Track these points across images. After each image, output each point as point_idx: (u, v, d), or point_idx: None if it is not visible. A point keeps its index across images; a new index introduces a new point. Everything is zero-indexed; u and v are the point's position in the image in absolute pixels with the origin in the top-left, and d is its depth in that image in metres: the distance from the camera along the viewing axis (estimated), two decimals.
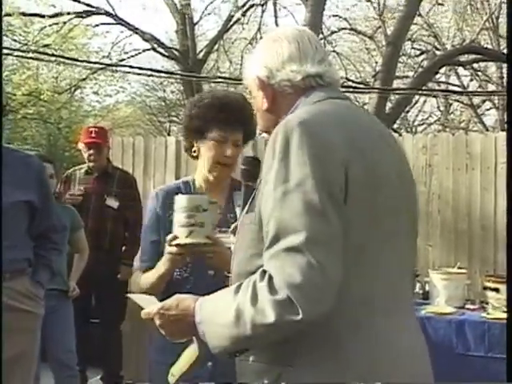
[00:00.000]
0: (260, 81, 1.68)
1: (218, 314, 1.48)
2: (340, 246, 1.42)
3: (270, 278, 1.39)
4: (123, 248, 5.21)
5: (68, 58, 12.88)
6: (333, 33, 15.00)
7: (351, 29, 15.79)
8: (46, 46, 13.36)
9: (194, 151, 2.33)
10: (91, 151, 5.14)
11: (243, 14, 13.36)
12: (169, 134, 17.86)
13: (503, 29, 15.96)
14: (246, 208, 1.67)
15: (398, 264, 1.58)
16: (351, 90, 13.42)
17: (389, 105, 11.61)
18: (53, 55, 12.58)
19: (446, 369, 3.86)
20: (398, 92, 12.03)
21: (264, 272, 1.42)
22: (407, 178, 1.66)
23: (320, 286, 1.38)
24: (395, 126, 14.89)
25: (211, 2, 15.04)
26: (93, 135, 5.20)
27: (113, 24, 13.67)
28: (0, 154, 2.88)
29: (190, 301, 1.56)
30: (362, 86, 14.33)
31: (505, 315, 3.99)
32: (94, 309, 5.12)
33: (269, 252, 1.43)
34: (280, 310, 1.37)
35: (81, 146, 5.20)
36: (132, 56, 13.85)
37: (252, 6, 13.38)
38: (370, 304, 1.50)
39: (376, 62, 15.23)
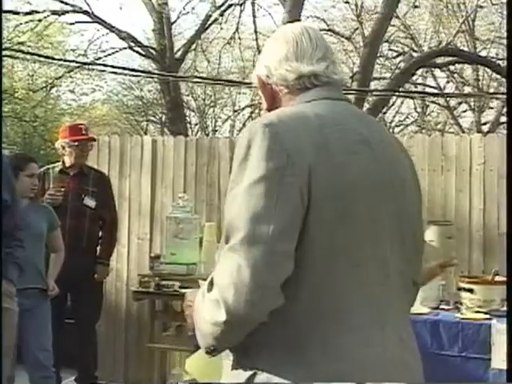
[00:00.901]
0: (260, 80, 1.70)
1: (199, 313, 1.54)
2: (282, 250, 1.42)
3: (212, 278, 1.46)
4: (98, 248, 5.21)
5: (43, 56, 12.78)
6: None
7: (329, 30, 15.82)
8: (20, 43, 13.22)
9: None
10: (79, 148, 5.12)
11: (221, 14, 13.32)
12: (145, 133, 17.79)
13: (479, 31, 16.13)
14: None
15: (377, 273, 1.55)
16: None
17: (366, 106, 11.67)
18: (28, 53, 12.47)
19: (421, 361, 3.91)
20: (375, 93, 12.09)
21: None
22: (397, 183, 1.62)
23: (247, 288, 1.38)
24: None
25: (189, 2, 14.98)
26: (83, 132, 5.19)
27: (89, 22, 13.57)
28: (0, 153, 2.88)
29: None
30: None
31: (478, 315, 4.05)
32: (69, 309, 5.09)
33: (222, 250, 1.48)
34: (211, 310, 1.44)
35: (63, 142, 5.15)
36: (109, 54, 13.76)
37: (230, 5, 13.35)
38: (340, 318, 1.49)
39: (353, 63, 15.28)
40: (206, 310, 1.46)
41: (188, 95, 18.51)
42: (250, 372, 1.50)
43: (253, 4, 13.39)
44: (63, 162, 5.22)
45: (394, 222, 1.59)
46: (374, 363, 1.50)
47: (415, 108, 19.52)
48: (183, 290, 4.70)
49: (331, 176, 1.48)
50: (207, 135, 16.71)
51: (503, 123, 16.43)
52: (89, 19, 13.38)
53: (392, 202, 1.59)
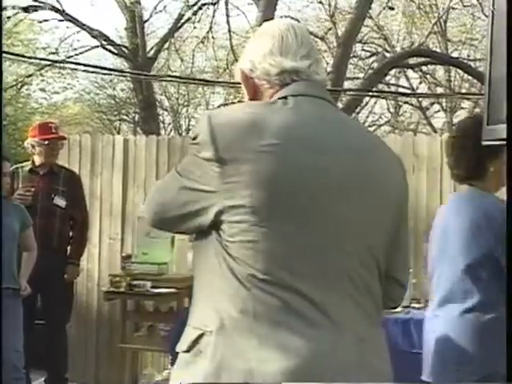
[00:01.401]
0: (243, 74, 1.70)
1: None
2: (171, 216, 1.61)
3: None
4: (69, 248, 5.17)
5: (13, 54, 12.65)
6: None
7: None
8: None
9: None
10: (49, 147, 5.07)
11: (194, 13, 13.30)
12: (118, 133, 17.70)
13: (451, 33, 16.28)
14: None
15: (329, 277, 1.54)
16: None
17: (339, 106, 11.72)
18: None
19: (392, 365, 3.93)
20: (348, 93, 12.15)
21: None
22: (366, 187, 1.60)
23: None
24: None
25: (161, 0, 14.96)
26: (53, 130, 5.15)
27: (60, 20, 13.45)
28: (0, 153, 2.86)
29: None
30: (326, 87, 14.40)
31: None
32: (40, 309, 5.05)
33: None
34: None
35: (33, 141, 5.10)
36: (81, 53, 13.66)
37: (203, 5, 13.32)
38: (290, 314, 1.49)
39: (327, 63, 15.31)
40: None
41: (161, 94, 18.44)
42: (199, 332, 1.52)
43: (226, 3, 13.38)
44: (33, 161, 5.16)
45: (350, 224, 1.58)
46: (325, 363, 1.49)
47: (388, 108, 19.66)
48: (155, 290, 4.69)
49: (266, 172, 1.50)
50: (180, 134, 16.64)
51: None
52: (60, 17, 13.26)
53: (352, 207, 1.57)
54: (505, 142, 2.24)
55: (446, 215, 2.81)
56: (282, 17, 14.92)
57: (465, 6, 14.41)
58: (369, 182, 1.61)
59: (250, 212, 1.49)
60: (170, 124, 20.04)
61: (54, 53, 13.75)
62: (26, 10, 13.02)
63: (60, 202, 5.04)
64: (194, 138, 1.58)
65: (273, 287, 1.49)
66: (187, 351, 1.55)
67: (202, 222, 1.55)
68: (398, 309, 4.18)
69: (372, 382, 1.56)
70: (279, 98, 1.62)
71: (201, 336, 1.52)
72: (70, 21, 13.18)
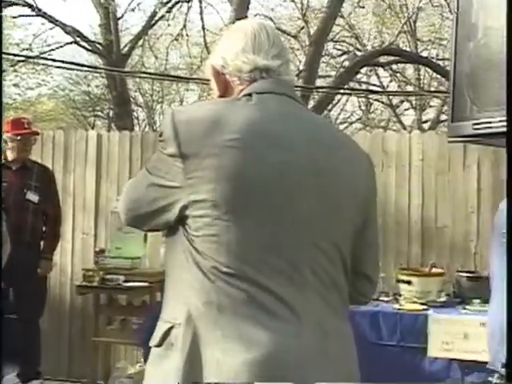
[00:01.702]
0: (214, 70, 1.70)
1: None
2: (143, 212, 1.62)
3: None
4: (42, 242, 5.15)
5: None
6: None
7: (275, 28, 15.85)
8: None
9: None
10: (21, 142, 5.04)
11: (168, 11, 13.24)
12: (93, 128, 17.55)
13: (420, 32, 16.40)
14: None
15: (292, 273, 1.54)
16: None
17: (311, 103, 11.74)
18: None
19: (361, 357, 3.96)
20: (320, 91, 12.18)
21: None
22: (327, 182, 1.60)
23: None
24: None
25: None
26: (25, 126, 5.12)
27: (33, 16, 13.29)
28: (0, 153, 2.81)
29: None
30: (293, 86, 14.42)
31: (415, 306, 4.13)
32: (12, 304, 5.01)
33: None
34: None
35: (5, 137, 5.06)
36: (54, 49, 13.53)
37: (177, 2, 13.28)
38: (253, 308, 1.49)
39: (299, 61, 15.34)
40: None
41: (135, 91, 18.35)
42: (168, 325, 1.54)
43: (200, 1, 13.35)
44: (5, 157, 5.13)
45: (313, 218, 1.58)
46: (288, 354, 1.49)
47: (359, 106, 19.77)
48: (128, 284, 4.68)
49: (228, 167, 1.51)
50: (155, 130, 16.57)
51: (443, 121, 16.75)
52: (33, 13, 13.11)
53: (314, 202, 1.58)
54: (469, 139, 2.28)
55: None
56: (255, 15, 14.96)
57: (434, 7, 14.54)
58: (332, 179, 1.62)
59: (213, 206, 1.50)
60: (144, 120, 19.97)
61: (27, 49, 13.59)
62: None
63: (33, 197, 5.02)
64: (160, 135, 1.60)
65: (236, 280, 1.50)
66: (159, 345, 1.55)
67: (169, 218, 1.57)
68: None
69: (335, 375, 1.56)
70: (244, 95, 1.63)
71: (171, 329, 1.53)
72: (43, 17, 13.03)
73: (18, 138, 5.03)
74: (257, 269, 1.51)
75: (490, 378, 2.02)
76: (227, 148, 1.51)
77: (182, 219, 1.54)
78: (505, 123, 2.02)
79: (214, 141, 1.51)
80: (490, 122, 2.03)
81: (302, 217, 1.56)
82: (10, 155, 5.08)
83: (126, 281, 4.69)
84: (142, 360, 4.68)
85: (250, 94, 1.62)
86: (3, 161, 5.11)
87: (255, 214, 1.52)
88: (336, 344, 1.59)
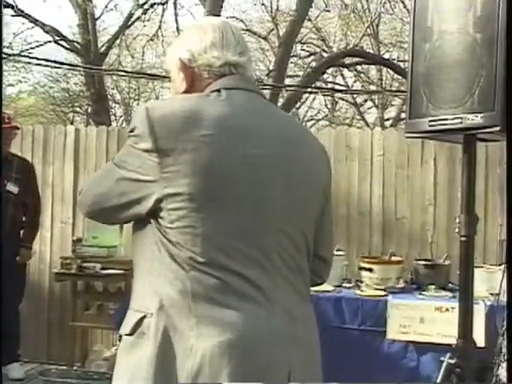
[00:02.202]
0: (182, 63, 1.66)
1: None
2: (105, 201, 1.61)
3: None
4: (21, 231, 5.10)
5: None
6: None
7: (247, 30, 15.85)
8: None
9: None
10: (2, 136, 4.97)
11: (144, 12, 13.16)
12: (72, 124, 17.37)
13: (383, 36, 16.51)
14: None
15: (261, 259, 1.55)
16: None
17: (281, 101, 11.75)
18: None
19: (325, 340, 3.99)
20: (288, 89, 12.19)
21: None
22: (293, 173, 1.61)
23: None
24: None
25: None
26: (6, 120, 5.05)
27: (13, 16, 13.10)
28: (0, 152, 2.74)
29: None
30: (256, 82, 14.43)
31: (376, 292, 4.16)
32: None
33: None
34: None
35: None
36: (34, 47, 13.37)
37: (153, 4, 13.19)
38: (226, 293, 1.49)
39: (269, 62, 15.37)
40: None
41: (113, 88, 18.21)
42: (140, 315, 1.52)
43: (175, 3, 13.29)
44: None
45: (282, 208, 1.59)
46: (260, 335, 1.50)
47: (326, 104, 19.84)
48: (104, 271, 4.66)
49: (203, 162, 1.49)
50: None
51: (404, 119, 16.86)
52: (13, 12, 12.92)
53: (283, 192, 1.59)
54: (425, 135, 2.30)
55: None
56: (227, 17, 14.91)
57: (395, 12, 14.65)
58: (298, 169, 1.63)
59: (188, 199, 1.49)
60: (121, 116, 19.79)
61: (7, 47, 13.40)
62: None
63: (13, 188, 4.98)
64: (132, 131, 1.56)
65: (210, 268, 1.49)
66: (130, 334, 1.54)
67: (140, 211, 1.54)
68: (330, 288, 4.25)
69: (304, 358, 1.59)
70: (213, 91, 1.61)
71: (142, 318, 1.52)
72: (23, 16, 12.86)
73: (5, 132, 4.98)
74: (230, 257, 1.51)
75: (442, 358, 2.05)
76: (202, 143, 1.50)
77: (154, 212, 1.52)
78: (459, 120, 2.04)
79: (189, 136, 1.50)
80: (445, 119, 2.05)
81: (272, 206, 1.57)
82: None
83: (102, 268, 4.67)
84: (118, 343, 4.67)
85: (218, 90, 1.61)
86: None
87: (227, 205, 1.52)
88: (303, 327, 1.61)
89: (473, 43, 2.02)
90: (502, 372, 2.32)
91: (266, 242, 1.57)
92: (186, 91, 1.66)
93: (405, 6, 13.39)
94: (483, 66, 1.98)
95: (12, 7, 12.66)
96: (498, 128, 1.96)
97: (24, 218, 5.11)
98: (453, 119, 2.03)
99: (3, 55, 12.57)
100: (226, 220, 1.52)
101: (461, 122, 2.02)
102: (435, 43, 2.11)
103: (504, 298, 2.45)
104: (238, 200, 1.53)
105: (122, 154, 1.59)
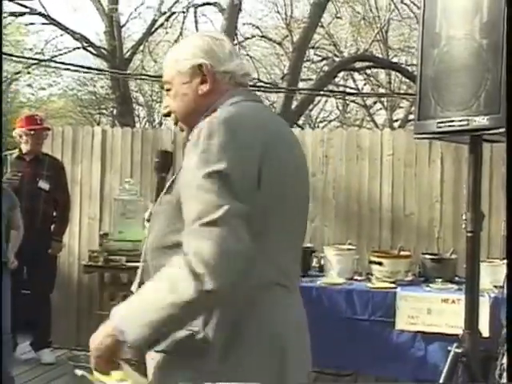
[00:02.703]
0: (206, 68, 1.62)
1: (137, 308, 1.42)
2: (247, 224, 1.37)
3: (186, 254, 1.33)
4: (52, 226, 5.14)
5: (3, 53, 12.38)
6: (246, 39, 14.98)
7: (262, 36, 15.83)
8: None
9: None
10: (35, 137, 5.01)
11: (166, 19, 13.18)
12: (98, 125, 17.44)
13: (391, 41, 16.40)
14: (163, 193, 1.59)
15: (291, 244, 1.61)
16: (262, 89, 13.50)
17: (294, 103, 11.73)
18: None
19: (336, 329, 3.99)
20: (302, 92, 12.16)
21: (183, 252, 1.35)
22: (303, 169, 1.69)
23: (231, 256, 1.32)
24: (300, 121, 15.06)
25: (137, 7, 14.86)
26: (38, 122, 5.10)
27: (45, 24, 13.20)
28: (0, 152, 2.74)
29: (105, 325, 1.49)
30: (271, 86, 14.40)
31: (385, 285, 4.15)
32: (26, 281, 5.00)
33: (189, 228, 1.37)
34: (195, 283, 1.30)
35: (21, 131, 5.04)
36: (64, 53, 13.42)
37: (174, 12, 13.23)
38: (268, 282, 1.50)
39: (284, 66, 15.31)
40: (185, 288, 1.31)
41: (137, 91, 18.24)
42: (187, 333, 1.45)
43: (195, 11, 13.31)
44: (20, 149, 5.11)
45: (304, 200, 1.68)
46: (294, 324, 1.56)
47: (337, 106, 19.75)
48: (129, 264, 4.67)
49: (275, 168, 1.50)
50: (154, 127, 16.50)
51: (411, 120, 16.76)
52: (45, 21, 13.01)
53: (302, 185, 1.67)
54: (434, 136, 2.28)
55: None
56: (244, 24, 14.90)
57: (403, 18, 14.57)
58: (305, 170, 1.71)
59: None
60: (144, 118, 19.85)
61: (39, 53, 13.49)
62: (14, 14, 12.75)
63: (44, 185, 5.01)
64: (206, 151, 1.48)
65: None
66: None
67: None
68: (342, 280, 4.24)
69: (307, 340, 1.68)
70: (236, 102, 1.61)
71: None
72: (54, 24, 12.93)
73: (32, 132, 5.01)
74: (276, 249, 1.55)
75: (449, 348, 2.04)
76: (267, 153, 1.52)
77: None
78: (465, 122, 2.03)
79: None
80: (452, 121, 2.03)
81: (300, 204, 1.65)
82: (24, 148, 5.06)
83: (127, 261, 4.68)
84: None
85: (238, 101, 1.61)
86: (17, 153, 5.09)
87: (286, 206, 1.58)
88: (304, 313, 1.68)
89: (479, 48, 2.00)
90: (506, 361, 2.29)
91: (298, 236, 1.67)
92: (205, 94, 1.63)
93: (413, 13, 13.30)
94: (489, 71, 1.97)
95: (44, 16, 12.74)
96: (502, 129, 1.95)
97: (54, 214, 5.15)
98: (460, 121, 2.02)
99: (35, 60, 12.67)
100: (280, 215, 1.55)
101: (467, 124, 2.00)
102: (443, 48, 2.10)
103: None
104: (290, 199, 1.58)
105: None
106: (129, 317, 1.42)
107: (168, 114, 1.69)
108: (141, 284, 1.56)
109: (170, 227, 1.50)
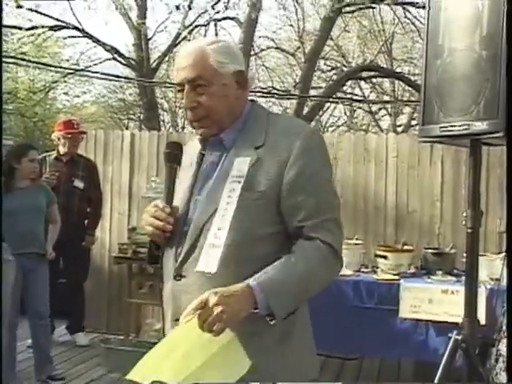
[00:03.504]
0: (244, 74, 1.59)
1: (283, 281, 1.41)
2: None
3: (324, 242, 1.46)
4: (86, 221, 5.16)
5: (42, 64, 12.49)
6: (262, 50, 14.97)
7: (277, 47, 15.81)
8: (23, 53, 12.91)
9: None
10: (71, 140, 5.04)
11: (189, 32, 13.19)
12: (126, 129, 17.52)
13: (395, 53, 16.32)
14: (240, 189, 1.49)
15: None
16: (276, 96, 13.49)
17: (306, 109, 11.69)
18: (29, 61, 12.17)
19: (345, 317, 3.98)
20: (313, 99, 12.13)
21: (315, 238, 1.47)
22: None
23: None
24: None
25: (162, 22, 14.93)
26: (75, 126, 5.12)
27: (80, 37, 13.27)
28: (0, 151, 2.73)
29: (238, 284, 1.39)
30: (284, 93, 14.38)
31: (390, 276, 4.12)
32: (62, 271, 5.03)
33: (313, 221, 1.47)
34: (338, 264, 1.51)
35: (59, 134, 5.06)
36: (96, 64, 13.50)
37: (196, 26, 13.25)
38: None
39: (296, 75, 15.27)
40: (332, 267, 1.50)
41: (162, 98, 18.28)
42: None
43: (215, 25, 13.31)
44: (58, 151, 5.13)
45: None
46: None
47: (345, 112, 19.69)
48: None
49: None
50: (177, 131, 16.54)
51: (414, 125, 16.68)
52: (79, 34, 13.08)
53: None
54: (436, 140, 2.26)
55: None
56: (260, 37, 14.87)
57: (406, 32, 14.49)
58: None
59: None
60: (168, 123, 19.91)
61: (75, 63, 13.59)
62: (52, 28, 12.85)
63: (79, 184, 5.03)
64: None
65: None
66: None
67: None
68: (350, 272, 4.22)
69: None
70: (277, 114, 1.67)
71: None
72: (87, 37, 13.00)
73: (69, 136, 5.03)
74: None
75: (450, 335, 2.02)
76: None
77: None
78: (466, 126, 2.01)
79: None
80: (454, 126, 2.02)
81: None
82: (61, 150, 5.09)
83: None
84: None
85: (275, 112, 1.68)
86: (55, 154, 5.12)
87: None
88: None
89: (479, 59, 1.98)
90: (503, 347, 2.28)
91: None
92: (240, 97, 1.60)
93: (416, 27, 13.21)
94: (488, 80, 1.95)
95: (79, 30, 12.82)
96: (501, 133, 1.93)
97: (88, 210, 5.16)
98: (461, 126, 2.01)
99: (71, 70, 12.73)
100: None
101: (468, 129, 1.99)
102: (446, 59, 2.08)
103: (504, 283, 2.41)
104: None
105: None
106: (276, 289, 1.40)
107: (192, 109, 1.56)
108: (183, 262, 1.50)
109: (261, 221, 1.48)
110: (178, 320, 1.40)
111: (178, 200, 1.58)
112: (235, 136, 1.56)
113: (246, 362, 1.32)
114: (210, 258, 1.43)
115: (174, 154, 1.60)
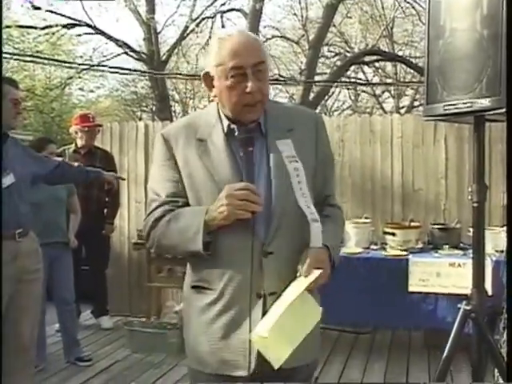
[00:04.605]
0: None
1: (337, 242, 1.68)
2: None
3: (339, 208, 1.75)
4: (105, 210, 5.16)
5: (58, 61, 12.50)
6: (267, 39, 14.89)
7: (281, 36, 15.72)
8: (39, 51, 12.93)
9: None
10: (88, 133, 5.03)
11: (197, 25, 13.14)
12: (140, 120, 17.54)
13: (397, 36, 16.16)
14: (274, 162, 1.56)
15: None
16: (283, 83, 13.42)
17: (311, 95, 11.64)
18: (45, 58, 12.20)
19: (356, 292, 3.97)
20: (318, 85, 12.06)
21: (336, 206, 1.74)
22: None
23: None
24: (317, 111, 14.94)
25: (171, 16, 14.85)
26: (91, 120, 5.11)
27: (93, 34, 13.25)
28: (0, 149, 2.72)
29: None
30: (291, 80, 14.30)
31: (398, 252, 4.12)
32: (85, 258, 5.06)
33: (333, 192, 1.75)
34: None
35: (76, 128, 5.06)
36: (109, 59, 13.48)
37: (203, 19, 13.18)
38: None
39: (301, 62, 15.17)
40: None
41: (172, 90, 18.27)
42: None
43: (221, 17, 13.26)
44: (76, 144, 5.14)
45: None
46: None
47: (349, 96, 19.58)
48: None
49: None
50: None
51: (416, 106, 16.55)
52: (92, 31, 13.06)
53: None
54: (441, 118, 2.23)
55: None
56: (265, 27, 14.77)
57: (406, 16, 14.31)
58: None
59: None
60: (179, 113, 19.90)
61: (88, 59, 13.58)
62: (66, 26, 12.83)
63: None
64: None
65: None
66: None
67: None
68: (360, 249, 4.22)
69: None
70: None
71: None
72: (100, 34, 12.97)
73: (86, 129, 5.03)
74: None
75: (459, 305, 2.01)
76: None
77: None
78: (469, 104, 1.98)
79: None
80: (457, 104, 1.99)
81: None
82: (79, 143, 5.09)
83: None
84: None
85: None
86: (73, 147, 5.13)
87: None
88: None
89: (480, 38, 1.95)
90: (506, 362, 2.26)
91: None
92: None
93: (416, 11, 13.05)
94: (489, 58, 1.92)
95: (91, 27, 12.80)
96: (503, 110, 1.90)
97: (107, 199, 5.17)
98: (464, 103, 1.97)
99: (85, 66, 12.73)
100: None
101: (471, 106, 1.96)
102: (447, 39, 2.04)
103: None
104: None
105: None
106: (336, 249, 1.64)
107: (253, 92, 1.52)
108: (271, 240, 1.56)
109: (301, 192, 1.54)
110: (260, 296, 1.53)
111: (225, 181, 1.53)
112: (264, 121, 1.61)
113: (319, 311, 1.55)
114: (314, 232, 1.53)
115: (250, 137, 1.58)
